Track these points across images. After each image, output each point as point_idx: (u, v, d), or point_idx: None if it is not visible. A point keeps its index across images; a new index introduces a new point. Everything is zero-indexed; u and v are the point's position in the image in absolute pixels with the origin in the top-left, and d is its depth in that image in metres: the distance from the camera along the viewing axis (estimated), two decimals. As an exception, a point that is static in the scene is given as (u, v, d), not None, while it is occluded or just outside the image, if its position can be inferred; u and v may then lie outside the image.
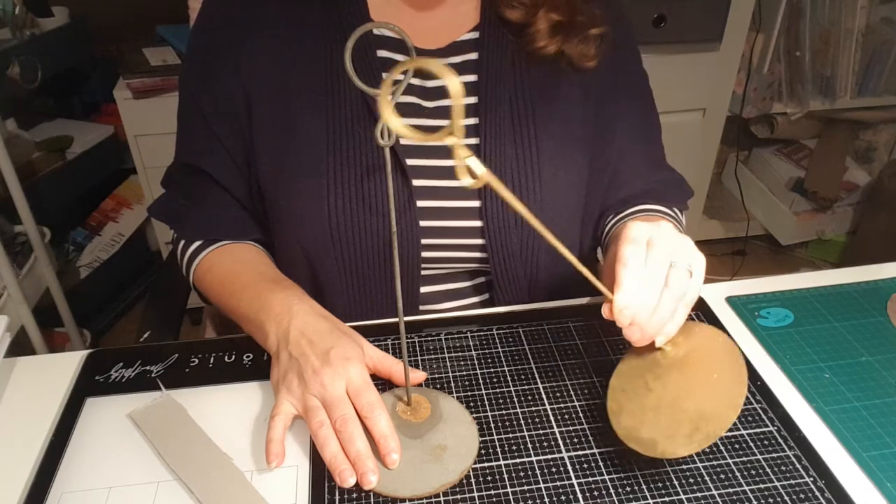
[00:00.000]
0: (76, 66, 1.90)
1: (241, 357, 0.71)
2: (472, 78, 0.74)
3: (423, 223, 0.74)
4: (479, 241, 0.76)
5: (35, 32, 1.69)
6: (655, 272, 0.56)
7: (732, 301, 0.80)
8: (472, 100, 0.74)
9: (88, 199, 1.99)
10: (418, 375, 0.67)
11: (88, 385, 0.69)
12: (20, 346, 1.52)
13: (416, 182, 0.73)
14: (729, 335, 0.62)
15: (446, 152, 0.74)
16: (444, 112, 0.74)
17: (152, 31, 1.83)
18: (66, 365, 0.71)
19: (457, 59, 0.75)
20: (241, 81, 0.72)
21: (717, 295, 0.80)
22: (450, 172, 0.74)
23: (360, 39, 0.70)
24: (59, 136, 1.83)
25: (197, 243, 0.80)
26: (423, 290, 0.80)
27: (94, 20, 1.87)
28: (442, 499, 0.56)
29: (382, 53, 0.73)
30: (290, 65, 0.72)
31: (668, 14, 1.67)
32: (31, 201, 1.55)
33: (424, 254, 0.75)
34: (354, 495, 0.57)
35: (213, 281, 0.77)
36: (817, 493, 0.57)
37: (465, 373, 0.69)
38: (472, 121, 0.74)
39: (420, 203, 0.73)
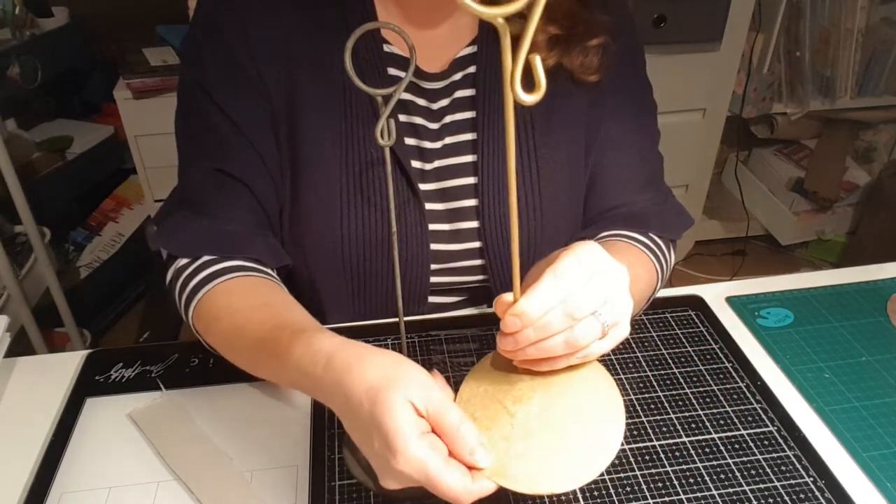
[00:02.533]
0: (76, 66, 1.90)
1: (241, 357, 0.71)
2: (470, 92, 0.73)
3: (432, 246, 0.74)
4: (479, 262, 0.75)
5: (35, 32, 1.69)
6: (576, 309, 0.49)
7: (732, 301, 0.80)
8: (471, 115, 0.73)
9: (88, 199, 1.98)
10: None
11: (88, 385, 0.69)
12: (20, 346, 1.52)
13: (428, 206, 0.73)
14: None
15: (450, 174, 0.73)
16: (449, 129, 0.74)
17: (152, 31, 1.83)
18: (66, 365, 0.71)
19: (458, 76, 0.74)
20: (267, 94, 0.69)
21: (717, 295, 0.80)
22: (452, 193, 0.74)
23: (371, 55, 0.71)
24: (59, 136, 1.83)
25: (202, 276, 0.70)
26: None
27: (94, 20, 1.87)
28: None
29: (392, 71, 0.73)
30: (299, 72, 0.71)
31: (668, 14, 1.67)
32: (31, 201, 1.55)
33: (432, 279, 0.75)
34: (354, 495, 0.57)
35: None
36: (817, 493, 0.57)
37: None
38: (471, 136, 0.73)
39: (430, 227, 0.73)
